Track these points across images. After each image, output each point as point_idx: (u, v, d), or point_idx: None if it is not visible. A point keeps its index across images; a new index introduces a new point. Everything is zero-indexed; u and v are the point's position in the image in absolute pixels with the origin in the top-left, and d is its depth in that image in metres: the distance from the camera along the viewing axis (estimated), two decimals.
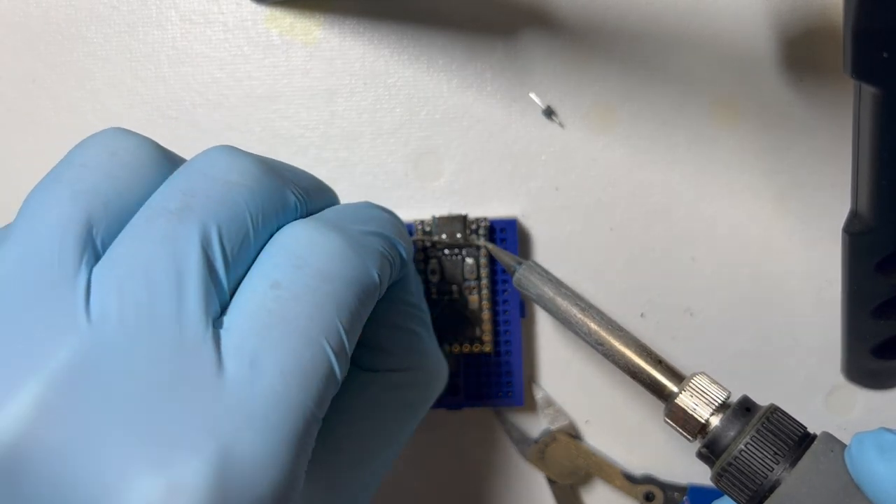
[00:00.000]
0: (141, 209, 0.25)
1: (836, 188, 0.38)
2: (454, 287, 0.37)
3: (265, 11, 0.39)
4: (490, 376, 0.38)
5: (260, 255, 0.26)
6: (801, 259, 0.39)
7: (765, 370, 0.39)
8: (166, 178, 0.26)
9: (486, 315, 0.37)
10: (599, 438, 0.40)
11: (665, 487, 0.39)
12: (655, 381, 0.31)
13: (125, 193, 0.25)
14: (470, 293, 0.37)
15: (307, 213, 0.28)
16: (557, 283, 0.34)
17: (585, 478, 0.39)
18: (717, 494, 0.37)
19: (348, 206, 0.30)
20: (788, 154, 0.38)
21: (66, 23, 0.39)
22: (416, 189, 0.39)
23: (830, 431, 0.29)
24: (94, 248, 0.24)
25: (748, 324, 0.39)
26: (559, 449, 0.39)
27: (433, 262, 0.37)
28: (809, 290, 0.39)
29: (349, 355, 0.26)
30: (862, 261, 0.34)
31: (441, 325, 0.37)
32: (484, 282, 0.37)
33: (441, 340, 0.37)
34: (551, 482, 0.39)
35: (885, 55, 0.25)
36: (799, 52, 0.38)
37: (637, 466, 0.40)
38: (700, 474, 0.39)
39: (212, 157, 0.26)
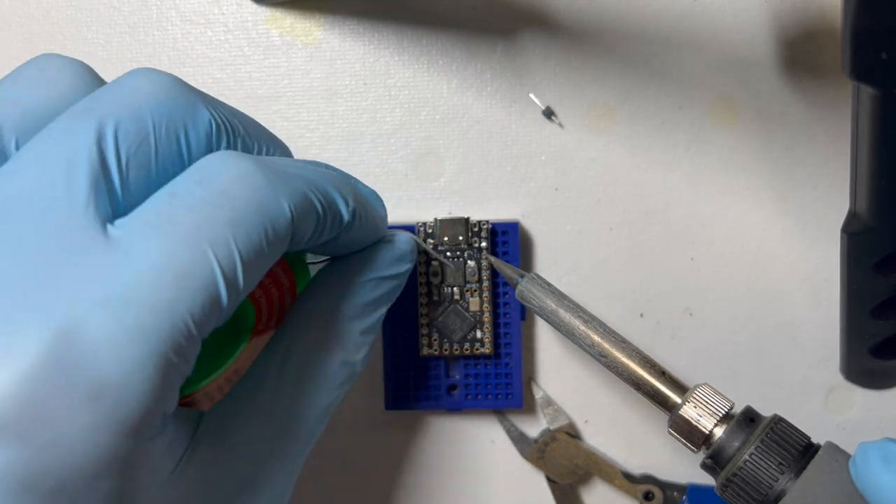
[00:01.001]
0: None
1: (835, 188, 0.38)
2: (455, 289, 0.37)
3: (266, 12, 0.39)
4: (490, 378, 0.38)
5: (174, 179, 0.26)
6: (800, 259, 0.39)
7: (764, 370, 0.39)
8: (95, 86, 0.27)
9: (486, 317, 0.37)
10: (599, 438, 0.40)
11: (664, 487, 0.39)
12: (659, 393, 0.32)
13: (43, 102, 0.26)
14: (471, 295, 0.37)
15: (236, 147, 0.28)
16: (560, 296, 0.34)
17: (585, 477, 0.39)
18: (716, 494, 0.38)
19: (298, 160, 0.30)
20: (787, 154, 0.38)
21: (67, 23, 0.39)
22: (416, 189, 0.39)
23: (829, 431, 0.30)
24: (2, 151, 0.25)
25: (747, 323, 0.39)
26: (559, 448, 0.39)
27: (435, 264, 0.37)
28: (808, 289, 0.39)
29: (242, 282, 0.25)
30: (861, 261, 0.34)
31: (442, 326, 0.37)
32: (485, 284, 0.37)
33: (442, 342, 0.37)
34: (551, 482, 0.39)
35: (883, 56, 0.25)
36: (798, 53, 0.38)
37: (636, 466, 0.40)
38: (699, 474, 0.39)
39: (131, 73, 0.27)
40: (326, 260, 0.32)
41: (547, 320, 0.34)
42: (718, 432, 0.30)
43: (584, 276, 0.39)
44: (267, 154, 0.30)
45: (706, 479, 0.36)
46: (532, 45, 0.38)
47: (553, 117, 0.39)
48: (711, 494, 0.38)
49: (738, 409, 0.31)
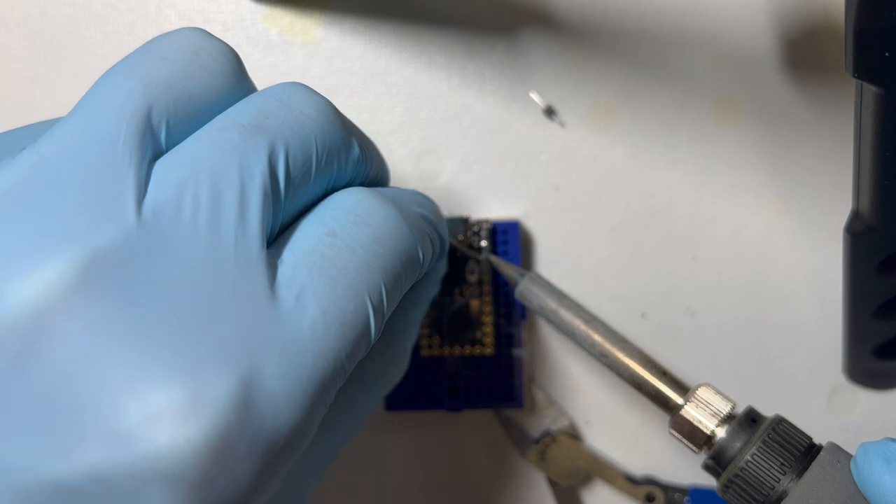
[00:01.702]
0: (215, 119, 0.24)
1: (838, 188, 0.38)
2: (456, 289, 0.37)
3: (264, 10, 0.39)
4: (490, 378, 0.38)
5: (317, 207, 0.26)
6: (803, 259, 0.39)
7: (766, 370, 0.39)
8: (242, 91, 0.26)
9: (487, 318, 0.37)
10: (600, 439, 0.40)
11: (666, 489, 0.38)
12: (660, 393, 0.32)
13: (198, 95, 0.24)
14: (472, 296, 0.37)
15: (366, 179, 0.28)
16: (560, 295, 0.34)
17: (586, 479, 0.39)
18: (718, 496, 0.37)
19: (399, 189, 0.30)
20: (790, 153, 0.38)
21: (65, 22, 0.39)
22: (416, 188, 0.39)
23: (832, 432, 0.30)
24: (155, 141, 0.23)
25: (749, 324, 0.39)
26: (560, 450, 0.39)
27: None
28: (811, 290, 0.39)
29: (385, 321, 0.26)
30: (864, 261, 0.33)
31: (442, 326, 0.37)
32: (486, 284, 0.37)
33: (442, 342, 0.37)
34: (552, 483, 0.39)
35: (886, 54, 0.25)
36: (800, 52, 0.38)
37: (638, 467, 0.39)
38: (702, 476, 0.38)
39: (290, 89, 0.26)
40: None
41: (547, 320, 0.34)
42: (720, 433, 0.30)
43: (585, 275, 0.39)
44: (384, 178, 0.31)
45: (708, 481, 0.35)
46: (533, 44, 0.38)
47: (554, 116, 0.38)
48: (714, 497, 0.38)
49: (739, 410, 0.31)
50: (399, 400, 0.38)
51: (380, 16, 0.38)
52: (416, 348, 0.38)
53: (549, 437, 0.39)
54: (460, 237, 0.37)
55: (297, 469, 0.29)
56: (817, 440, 0.30)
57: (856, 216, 0.32)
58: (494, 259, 0.36)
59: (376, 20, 0.38)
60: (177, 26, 0.38)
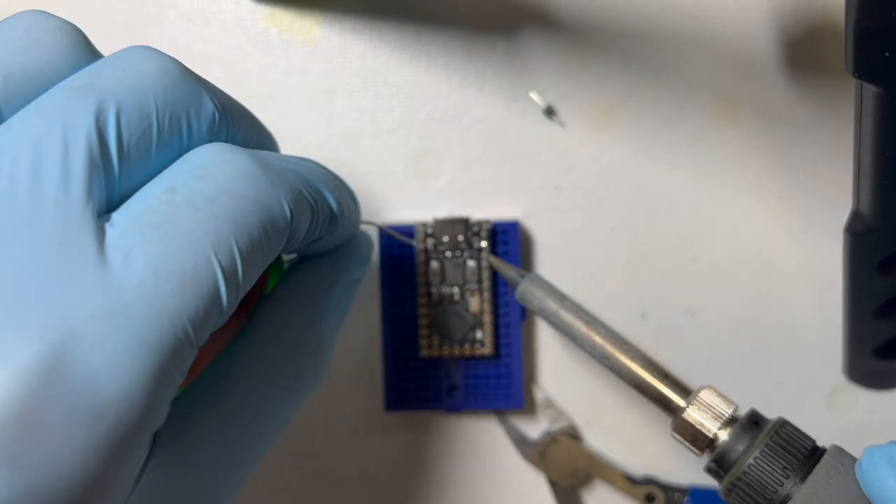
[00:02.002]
0: (51, 89, 0.24)
1: (838, 188, 0.38)
2: (455, 289, 0.37)
3: (264, 10, 0.39)
4: (490, 379, 0.38)
5: (167, 169, 0.24)
6: (803, 259, 0.39)
7: (766, 370, 0.39)
8: (84, 64, 0.25)
9: (487, 318, 0.37)
10: (600, 439, 0.40)
11: (666, 489, 0.38)
12: (662, 396, 0.32)
13: (32, 69, 0.24)
14: (471, 296, 0.37)
15: (228, 140, 0.26)
16: (561, 296, 0.34)
17: (586, 479, 0.39)
18: (718, 496, 0.37)
19: (285, 155, 0.28)
20: (790, 153, 0.38)
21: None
22: (416, 188, 0.39)
23: (832, 432, 0.29)
24: None
25: (749, 324, 0.39)
26: (560, 450, 0.39)
27: (435, 264, 0.37)
28: (811, 290, 0.39)
29: (241, 285, 0.24)
30: (864, 261, 0.33)
31: (442, 327, 0.37)
32: (485, 284, 0.37)
33: (442, 342, 0.37)
34: (552, 483, 0.39)
35: (886, 54, 0.25)
36: (800, 51, 0.38)
37: (638, 467, 0.39)
38: (702, 476, 0.38)
39: (132, 50, 0.25)
40: (293, 259, 0.32)
41: (548, 321, 0.34)
42: (722, 436, 0.30)
43: (585, 275, 0.39)
44: (260, 148, 0.28)
45: (708, 482, 0.35)
46: (533, 44, 0.38)
47: (554, 116, 0.38)
48: (714, 497, 0.38)
49: (741, 412, 0.31)
50: (398, 400, 0.38)
51: (379, 15, 0.38)
52: (416, 348, 0.38)
53: (549, 438, 0.39)
54: (431, 241, 0.37)
55: (204, 472, 0.27)
56: (817, 440, 0.30)
57: (856, 216, 0.32)
58: (494, 260, 0.36)
59: (376, 20, 0.38)
60: (177, 26, 0.38)
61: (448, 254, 0.37)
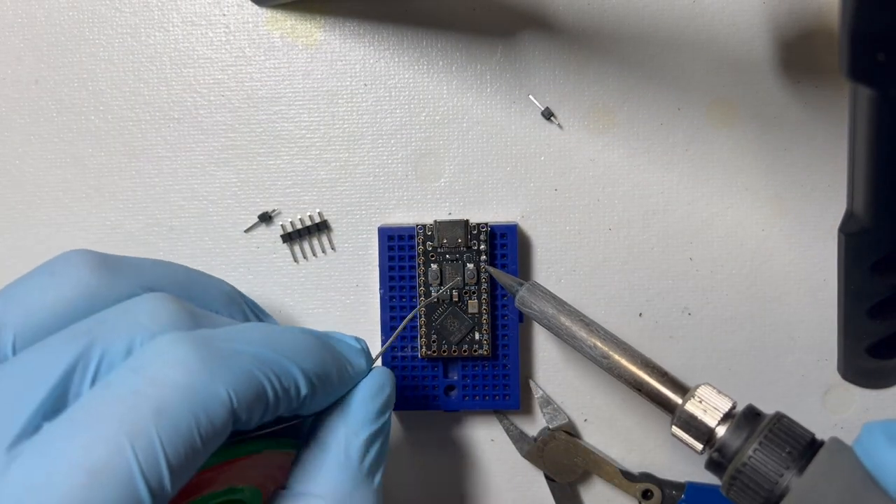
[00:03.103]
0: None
1: (833, 189, 0.39)
2: (454, 291, 0.38)
3: (267, 14, 0.39)
4: (487, 379, 0.38)
5: None
6: (798, 259, 0.39)
7: (762, 369, 0.39)
8: (103, 291, 0.28)
9: (485, 319, 0.38)
10: (598, 437, 0.40)
11: (663, 485, 0.39)
12: (660, 394, 0.32)
13: (48, 305, 0.28)
14: (470, 298, 0.38)
15: None
16: (559, 302, 0.34)
17: (584, 476, 0.40)
18: (714, 491, 0.38)
19: (262, 326, 0.29)
20: (785, 155, 0.39)
21: (69, 25, 0.39)
22: (416, 190, 0.39)
23: (827, 430, 0.30)
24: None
25: (745, 323, 0.39)
26: (558, 447, 0.39)
27: (434, 266, 0.37)
28: (806, 289, 0.39)
29: (166, 477, 0.23)
30: (858, 261, 0.34)
31: (441, 328, 0.37)
32: (484, 287, 0.37)
33: (441, 343, 0.38)
34: (550, 480, 0.39)
35: (881, 57, 0.25)
36: (796, 54, 0.38)
37: (635, 464, 0.40)
38: (698, 472, 0.39)
39: (142, 300, 0.28)
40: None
41: (547, 327, 0.34)
42: (721, 431, 0.30)
43: (583, 275, 0.39)
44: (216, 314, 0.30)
45: (705, 478, 0.36)
46: (532, 47, 0.39)
47: (552, 118, 0.39)
48: (710, 493, 0.38)
49: (739, 409, 0.31)
50: (397, 400, 0.38)
51: (381, 20, 0.39)
52: (415, 349, 0.38)
53: (547, 435, 0.39)
54: (430, 244, 0.37)
55: None
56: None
57: (850, 217, 0.32)
58: (493, 270, 0.37)
59: (377, 24, 0.39)
60: (180, 29, 0.38)
61: (447, 256, 0.37)
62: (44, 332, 0.27)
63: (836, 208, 0.38)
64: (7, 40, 0.39)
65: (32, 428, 0.24)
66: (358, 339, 0.32)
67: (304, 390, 0.28)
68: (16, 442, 0.23)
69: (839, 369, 0.39)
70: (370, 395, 0.31)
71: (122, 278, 0.29)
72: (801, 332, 0.39)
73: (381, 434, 0.31)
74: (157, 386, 0.24)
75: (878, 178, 0.30)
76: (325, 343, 0.30)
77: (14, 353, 0.27)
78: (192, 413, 0.24)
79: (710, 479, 0.31)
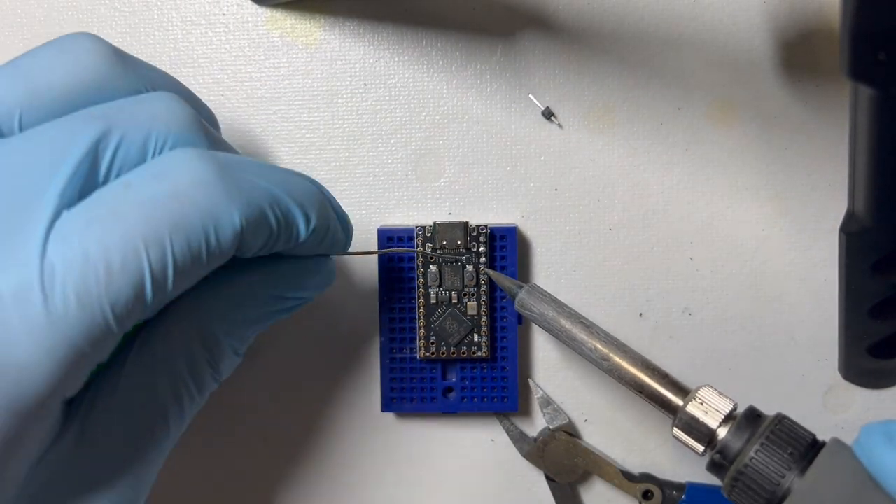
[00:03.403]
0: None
1: (833, 188, 0.38)
2: (453, 293, 0.37)
3: (266, 13, 0.39)
4: (486, 381, 0.38)
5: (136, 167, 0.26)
6: (799, 259, 0.39)
7: (762, 369, 0.39)
8: (115, 82, 0.28)
9: (484, 321, 0.37)
10: (598, 437, 0.40)
11: (663, 485, 0.39)
12: (661, 396, 0.32)
13: (58, 86, 0.27)
14: (469, 300, 0.37)
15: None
16: (559, 304, 0.34)
17: (584, 476, 0.40)
18: (714, 492, 0.38)
19: (269, 165, 0.30)
20: (786, 154, 0.39)
21: (69, 24, 0.39)
22: (416, 189, 0.39)
23: (828, 430, 0.30)
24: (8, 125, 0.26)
25: (746, 323, 0.39)
26: (558, 447, 0.39)
27: (433, 268, 0.37)
28: (807, 289, 0.39)
29: (170, 285, 0.25)
30: (858, 260, 0.34)
31: (439, 330, 0.37)
32: (483, 289, 0.37)
33: (439, 345, 0.38)
34: (550, 480, 0.39)
35: (881, 57, 0.25)
36: (796, 54, 0.38)
37: (636, 464, 0.40)
38: (698, 473, 0.39)
39: (158, 96, 0.28)
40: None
41: (547, 329, 0.34)
42: (722, 433, 0.30)
43: (583, 276, 0.39)
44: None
45: (705, 478, 0.36)
46: (531, 46, 0.38)
47: (552, 118, 0.39)
48: (710, 493, 0.38)
49: (740, 410, 0.31)
50: (395, 402, 0.38)
51: (381, 19, 0.39)
52: (413, 350, 0.38)
53: (547, 435, 0.39)
54: (429, 246, 0.37)
55: (108, 440, 0.28)
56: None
57: (851, 216, 0.33)
58: (492, 273, 0.37)
59: (377, 23, 0.39)
60: (180, 29, 0.38)
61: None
62: (50, 115, 0.27)
63: (836, 208, 0.38)
64: (6, 39, 0.39)
65: (55, 216, 0.24)
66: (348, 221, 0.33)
67: (300, 239, 0.29)
68: (37, 223, 0.24)
69: (840, 369, 0.39)
70: (312, 281, 0.32)
71: (134, 72, 0.29)
72: (802, 331, 0.39)
73: (271, 317, 0.32)
74: (177, 200, 0.25)
75: (878, 177, 0.30)
76: (330, 203, 0.31)
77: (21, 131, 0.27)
78: (204, 233, 0.25)
79: (710, 479, 0.31)
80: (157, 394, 0.29)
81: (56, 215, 0.24)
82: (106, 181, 0.25)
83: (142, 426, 0.28)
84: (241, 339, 0.31)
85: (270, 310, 0.31)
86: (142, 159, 0.26)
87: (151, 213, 0.25)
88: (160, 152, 0.26)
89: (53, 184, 0.24)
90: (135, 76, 0.29)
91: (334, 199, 0.32)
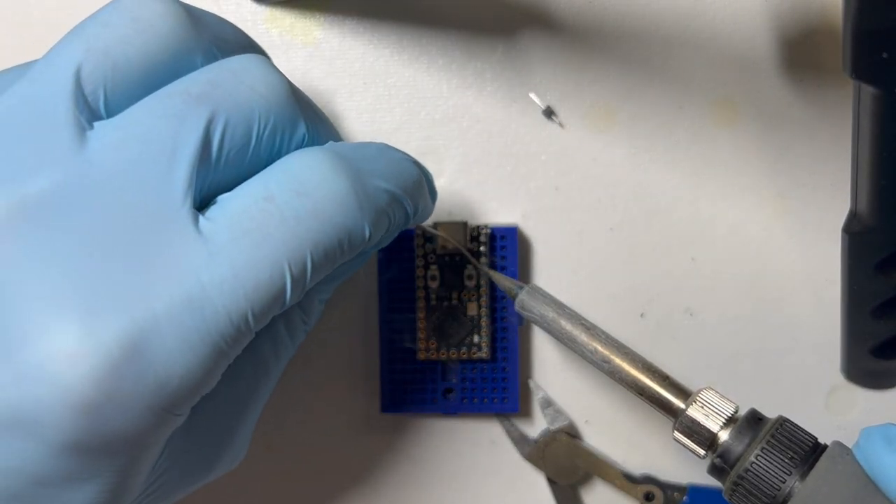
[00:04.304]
0: (167, 86, 0.26)
1: (836, 188, 0.38)
2: (453, 293, 0.37)
3: (265, 12, 0.39)
4: (486, 382, 0.38)
5: (266, 169, 0.27)
6: (801, 259, 0.39)
7: (765, 370, 0.39)
8: (190, 46, 0.27)
9: (484, 321, 0.37)
10: (599, 438, 0.40)
11: (665, 487, 0.39)
12: (663, 399, 0.32)
13: (136, 59, 0.26)
14: (469, 299, 0.37)
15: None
16: (560, 306, 0.34)
17: (585, 478, 0.39)
18: (716, 494, 0.37)
19: (372, 146, 0.30)
20: (788, 154, 0.38)
21: (68, 23, 0.39)
22: None
23: (830, 431, 0.30)
24: (90, 104, 0.25)
25: (748, 324, 0.39)
26: (559, 449, 0.39)
27: (433, 267, 0.37)
28: (809, 289, 0.39)
29: (305, 290, 0.26)
30: (861, 261, 0.34)
31: (440, 330, 0.37)
32: (483, 288, 0.37)
33: (439, 345, 0.37)
34: (551, 482, 0.39)
35: (884, 55, 0.25)
36: (798, 52, 0.38)
37: (637, 466, 0.40)
38: (700, 475, 0.39)
39: (248, 63, 0.28)
40: None
41: (547, 330, 0.34)
42: (724, 436, 0.30)
43: (584, 276, 0.39)
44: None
45: (707, 480, 0.36)
46: (532, 45, 0.38)
47: (553, 117, 0.39)
48: (712, 495, 0.38)
49: (742, 413, 0.31)
50: (395, 403, 0.38)
51: (380, 17, 0.38)
52: (413, 351, 0.38)
53: (548, 436, 0.39)
54: (429, 245, 0.37)
55: (216, 417, 0.30)
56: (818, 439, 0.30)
57: (854, 216, 0.32)
58: (493, 273, 0.36)
59: (376, 21, 0.38)
60: None
61: (447, 258, 0.37)
62: (133, 92, 0.26)
63: (839, 208, 0.37)
64: (4, 39, 0.39)
65: (190, 220, 0.25)
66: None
67: (402, 228, 0.31)
68: (183, 233, 0.25)
69: (843, 370, 0.39)
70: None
71: (207, 30, 0.28)
72: (804, 332, 0.39)
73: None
74: (318, 219, 0.26)
75: (881, 177, 0.30)
76: (427, 180, 0.32)
77: (107, 114, 0.26)
78: (340, 250, 0.27)
79: (712, 481, 0.31)
80: (262, 354, 0.31)
81: (195, 221, 0.25)
82: (216, 171, 0.26)
83: (248, 388, 0.30)
84: (328, 291, 0.33)
85: (353, 263, 0.33)
86: (247, 141, 0.26)
87: (295, 232, 0.25)
88: (265, 132, 0.27)
89: (178, 185, 0.25)
90: (209, 35, 0.28)
91: (429, 174, 0.33)
